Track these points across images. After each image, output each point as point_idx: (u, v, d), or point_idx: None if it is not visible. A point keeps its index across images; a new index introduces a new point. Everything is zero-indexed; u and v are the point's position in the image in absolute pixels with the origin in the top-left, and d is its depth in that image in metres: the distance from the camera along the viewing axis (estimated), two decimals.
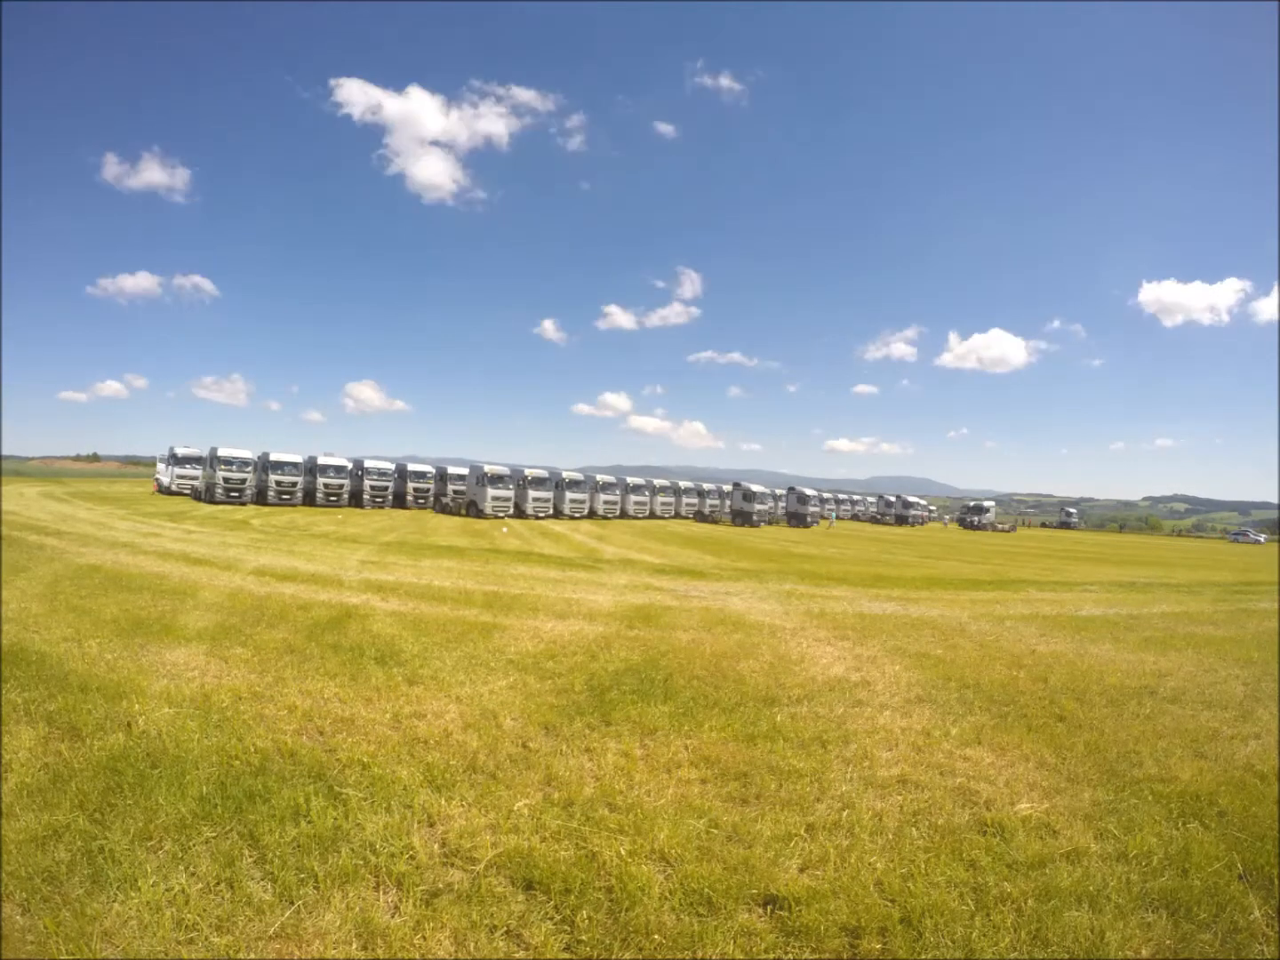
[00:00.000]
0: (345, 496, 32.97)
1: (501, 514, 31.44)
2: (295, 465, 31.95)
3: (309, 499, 32.16)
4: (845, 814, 2.97)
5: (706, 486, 44.83)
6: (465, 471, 36.46)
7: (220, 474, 30.02)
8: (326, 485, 32.28)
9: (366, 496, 34.09)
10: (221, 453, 31.36)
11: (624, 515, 37.63)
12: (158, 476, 38.21)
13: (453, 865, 2.47)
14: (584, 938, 2.11)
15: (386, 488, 35.35)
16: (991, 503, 49.19)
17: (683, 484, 44.46)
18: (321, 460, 33.27)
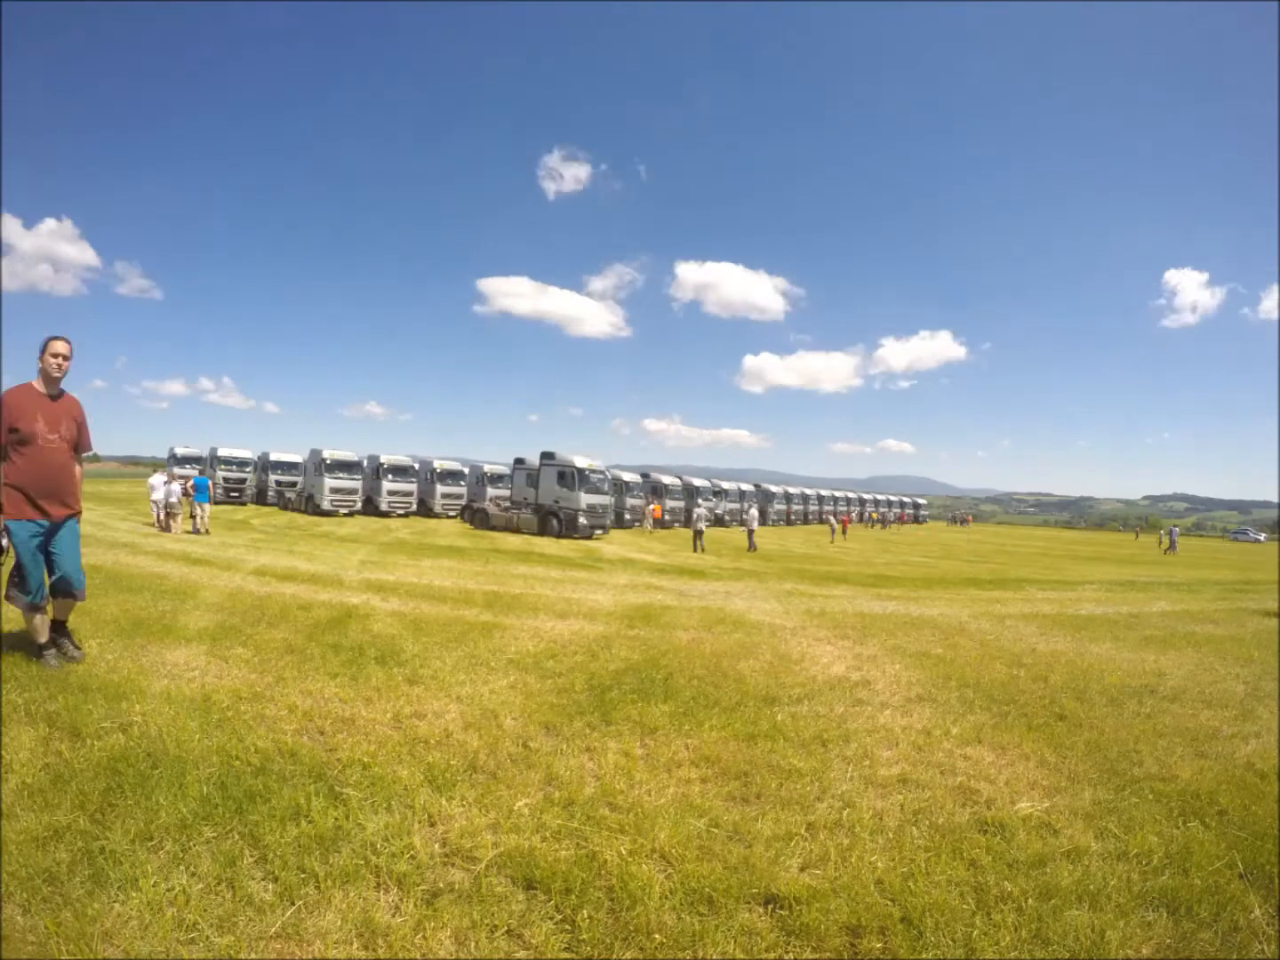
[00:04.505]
0: (358, 503, 27.61)
1: None
2: (295, 465, 31.12)
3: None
4: (846, 813, 2.97)
5: (665, 480, 36.47)
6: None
7: (220, 474, 29.95)
8: (334, 489, 27.13)
9: (385, 505, 27.86)
10: (221, 452, 31.30)
11: None
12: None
13: (453, 865, 2.46)
14: (585, 937, 2.11)
15: (410, 492, 28.87)
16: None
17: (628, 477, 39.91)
18: (327, 455, 27.91)
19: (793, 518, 48.11)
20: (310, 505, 27.06)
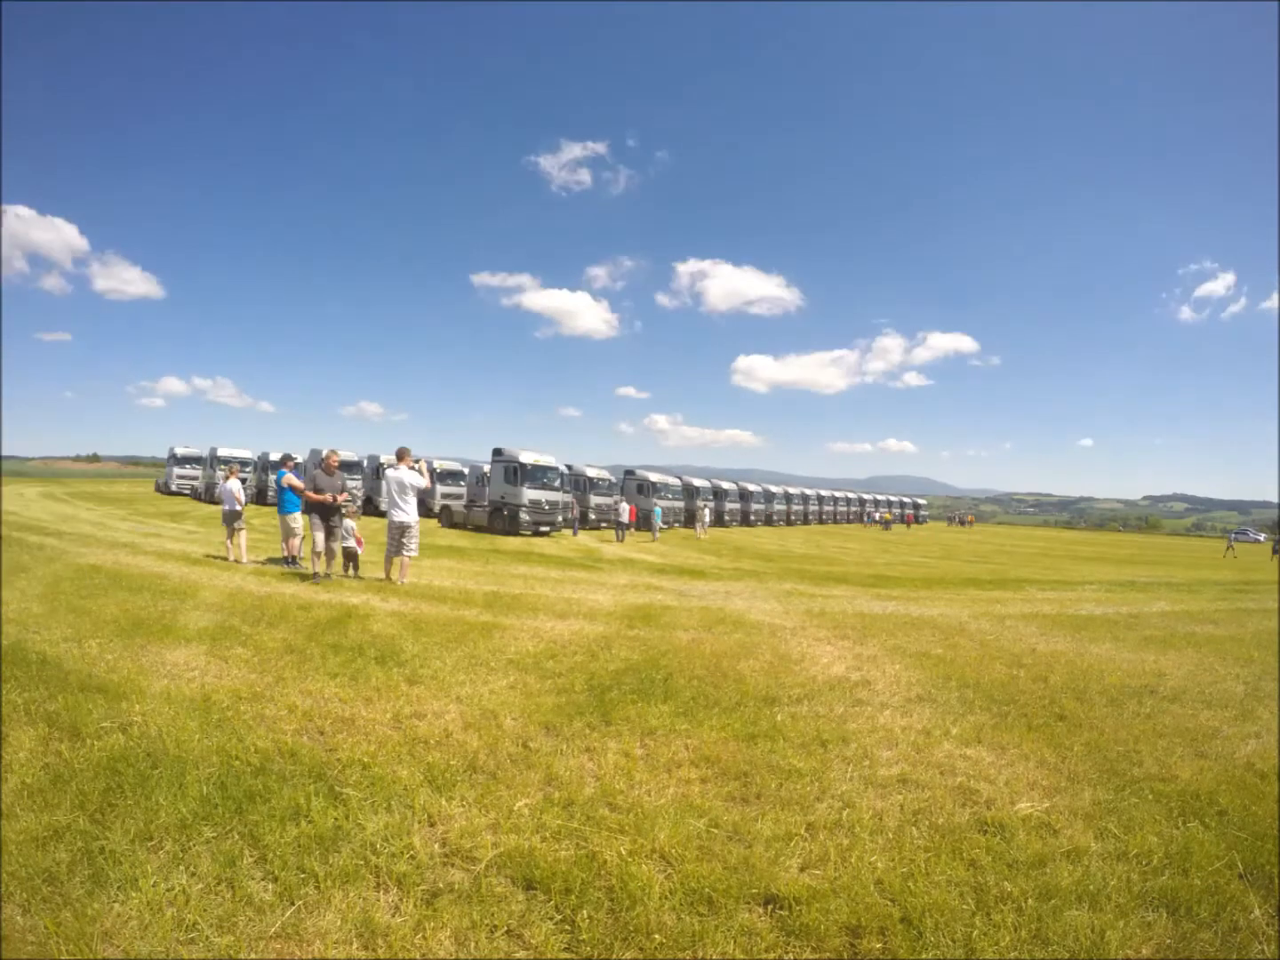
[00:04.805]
0: (359, 503, 26.79)
1: None
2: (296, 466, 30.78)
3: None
4: (845, 813, 2.97)
5: (653, 478, 33.50)
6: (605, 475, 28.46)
7: (220, 474, 29.98)
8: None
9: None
10: (221, 453, 31.34)
11: None
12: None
13: (453, 865, 2.46)
14: (585, 937, 2.11)
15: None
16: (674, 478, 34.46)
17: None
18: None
19: (793, 518, 48.14)
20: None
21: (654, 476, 32.43)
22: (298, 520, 10.10)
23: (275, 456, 31.37)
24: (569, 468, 29.01)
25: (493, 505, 22.94)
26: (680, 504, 34.64)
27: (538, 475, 22.49)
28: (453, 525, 24.33)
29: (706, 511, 29.80)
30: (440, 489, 27.84)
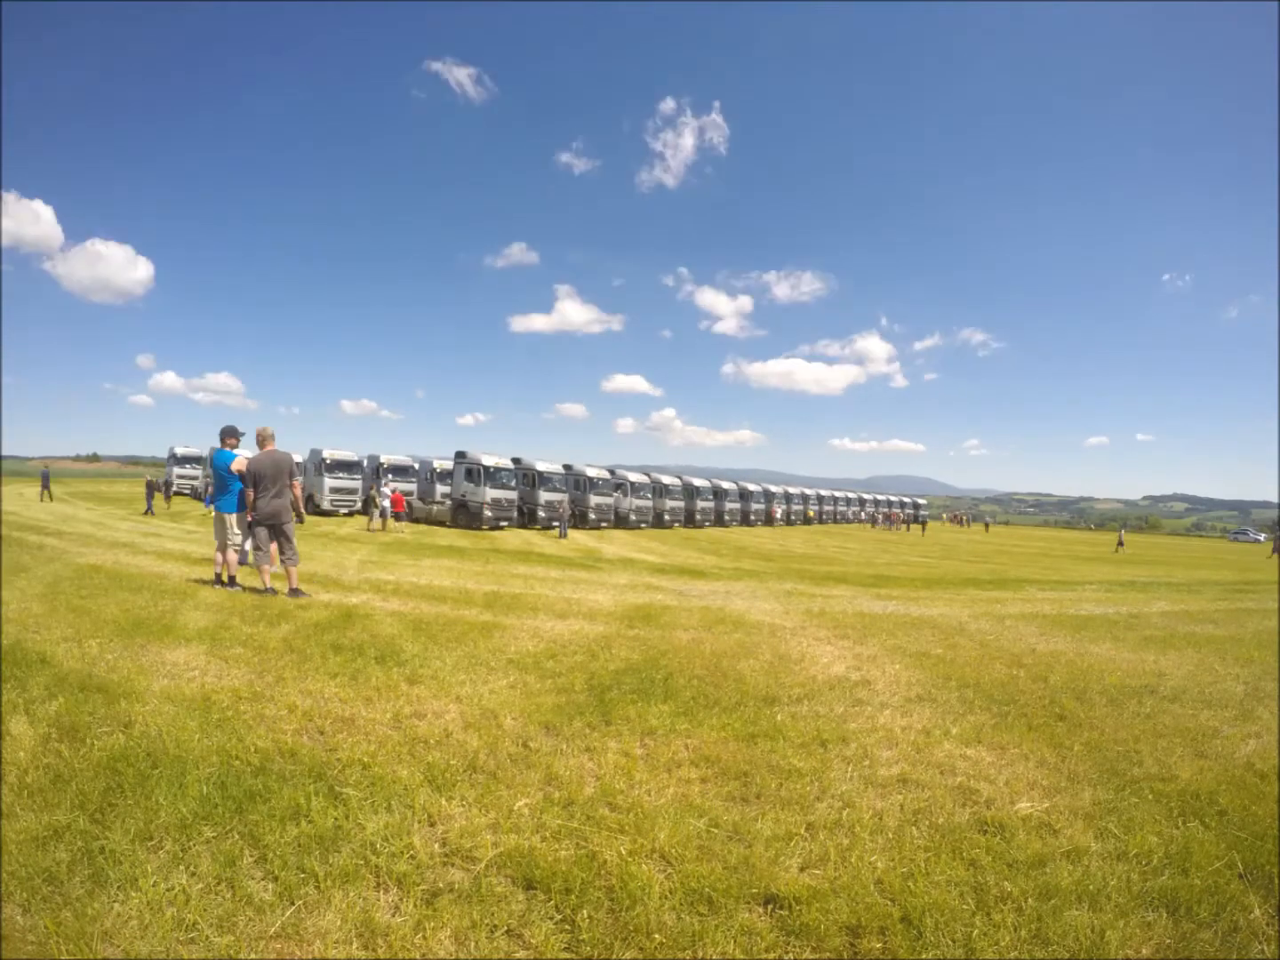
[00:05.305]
0: (358, 503, 26.78)
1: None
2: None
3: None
4: (845, 813, 2.97)
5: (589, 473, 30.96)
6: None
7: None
8: (333, 489, 26.28)
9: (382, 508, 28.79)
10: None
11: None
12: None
13: (453, 865, 2.46)
14: (585, 937, 2.11)
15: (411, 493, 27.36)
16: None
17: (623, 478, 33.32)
18: (327, 455, 26.56)
19: (793, 518, 48.15)
20: (309, 505, 26.91)
21: (633, 477, 32.61)
22: (237, 524, 7.76)
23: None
24: (568, 468, 29.04)
25: (455, 503, 24.83)
26: (681, 503, 35.34)
27: (497, 476, 24.49)
28: (414, 520, 25.69)
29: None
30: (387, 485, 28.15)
